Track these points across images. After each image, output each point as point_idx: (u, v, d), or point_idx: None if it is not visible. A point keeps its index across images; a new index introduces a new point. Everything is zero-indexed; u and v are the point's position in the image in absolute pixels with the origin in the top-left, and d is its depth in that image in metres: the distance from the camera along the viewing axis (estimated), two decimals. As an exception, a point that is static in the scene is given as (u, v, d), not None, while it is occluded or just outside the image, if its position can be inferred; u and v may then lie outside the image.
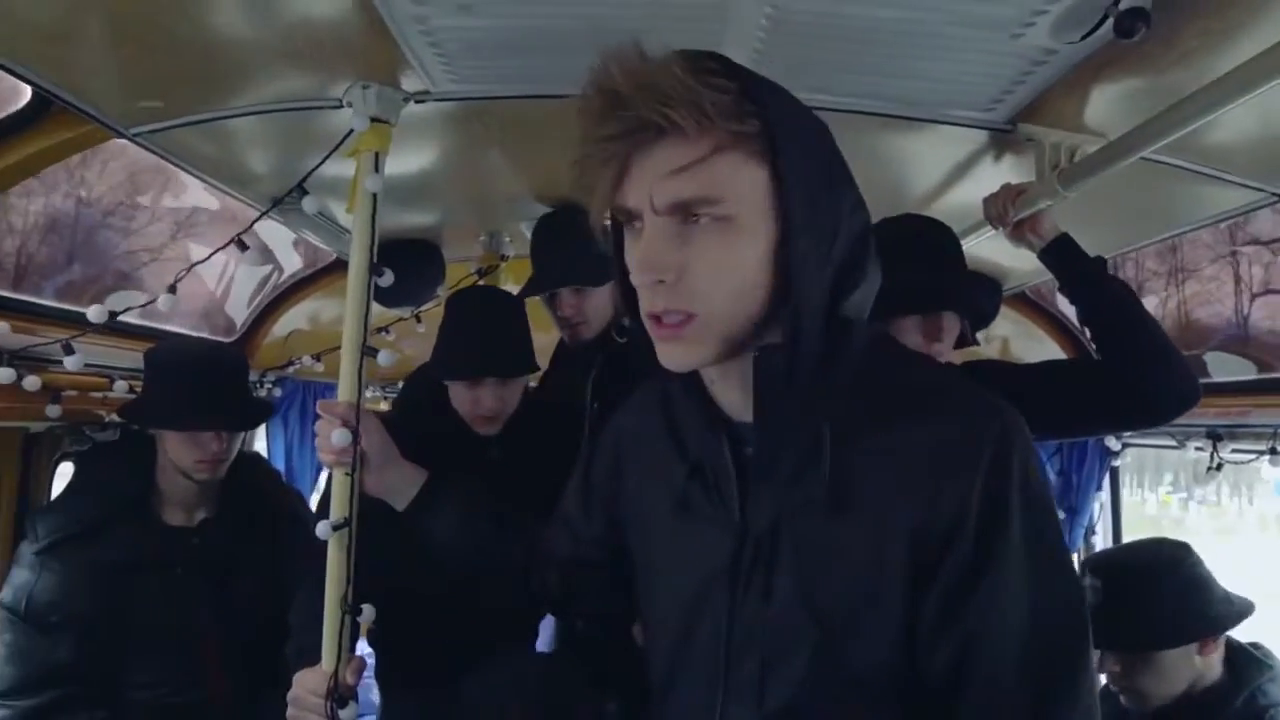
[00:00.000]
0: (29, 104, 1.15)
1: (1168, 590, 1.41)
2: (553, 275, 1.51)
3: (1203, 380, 1.68)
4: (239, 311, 2.11)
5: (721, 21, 0.97)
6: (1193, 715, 1.37)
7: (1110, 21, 0.86)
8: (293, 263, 2.15)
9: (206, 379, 1.48)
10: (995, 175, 1.33)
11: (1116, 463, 2.15)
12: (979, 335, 1.39)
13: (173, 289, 1.16)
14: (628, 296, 0.72)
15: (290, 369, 2.12)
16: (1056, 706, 0.62)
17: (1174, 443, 1.86)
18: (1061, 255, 1.28)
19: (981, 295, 1.65)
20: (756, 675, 0.70)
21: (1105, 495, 2.18)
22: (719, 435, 0.74)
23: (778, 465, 0.70)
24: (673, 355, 0.67)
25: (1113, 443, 2.09)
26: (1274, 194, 1.23)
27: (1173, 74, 0.97)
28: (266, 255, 2.03)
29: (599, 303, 1.53)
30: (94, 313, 1.15)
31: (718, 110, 0.61)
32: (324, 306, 2.22)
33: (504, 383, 1.37)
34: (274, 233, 1.96)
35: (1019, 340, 2.20)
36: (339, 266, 2.05)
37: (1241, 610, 1.43)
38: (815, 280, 0.65)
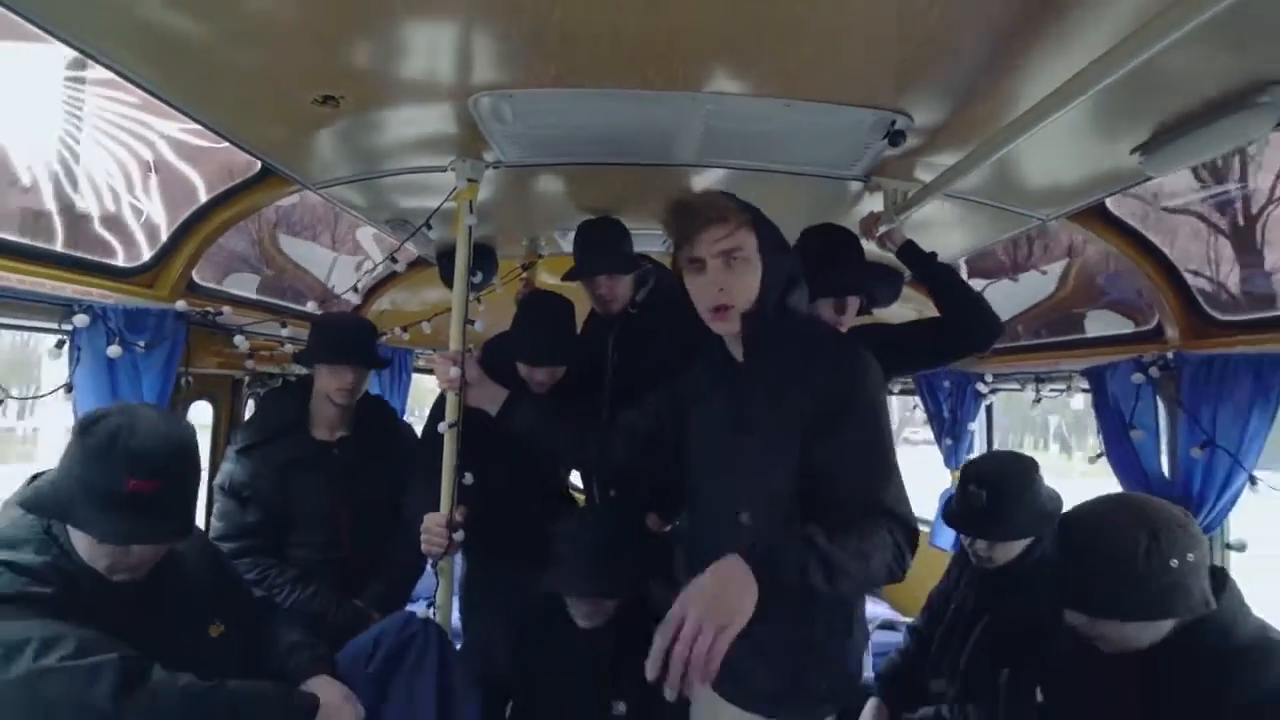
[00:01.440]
0: (259, 171, 1.88)
1: (1028, 500, 1.97)
2: (594, 266, 2.13)
3: (1056, 338, 2.37)
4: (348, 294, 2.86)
5: (674, 135, 1.68)
6: (1014, 569, 1.99)
7: (886, 139, 1.56)
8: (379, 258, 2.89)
9: (347, 334, 2.19)
10: (866, 205, 2.03)
11: (987, 402, 2.88)
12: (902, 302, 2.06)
13: (355, 288, 1.89)
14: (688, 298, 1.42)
15: (383, 338, 2.85)
16: (883, 480, 1.28)
17: (1018, 386, 2.57)
18: (907, 254, 1.99)
19: (877, 284, 2.33)
20: (741, 475, 1.41)
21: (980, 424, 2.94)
22: (730, 365, 1.46)
23: (751, 376, 1.41)
24: (723, 326, 1.39)
25: (983, 388, 2.81)
26: (1039, 218, 1.92)
27: (943, 153, 1.66)
28: (362, 254, 2.77)
29: (624, 287, 2.18)
30: (311, 306, 1.88)
31: (734, 213, 1.34)
32: (405, 293, 2.96)
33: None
34: (364, 237, 2.71)
35: (928, 310, 2.90)
36: (419, 264, 2.78)
37: (1059, 505, 2.05)
38: (774, 287, 1.37)
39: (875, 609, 3.27)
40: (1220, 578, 1.37)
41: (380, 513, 2.20)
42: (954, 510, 2.00)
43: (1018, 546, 1.99)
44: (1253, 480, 1.73)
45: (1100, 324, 2.44)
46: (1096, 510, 1.47)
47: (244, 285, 2.48)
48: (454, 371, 1.76)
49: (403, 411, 3.22)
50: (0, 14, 1.08)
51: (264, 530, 2.14)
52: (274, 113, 1.55)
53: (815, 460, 1.32)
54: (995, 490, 1.94)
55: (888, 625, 2.83)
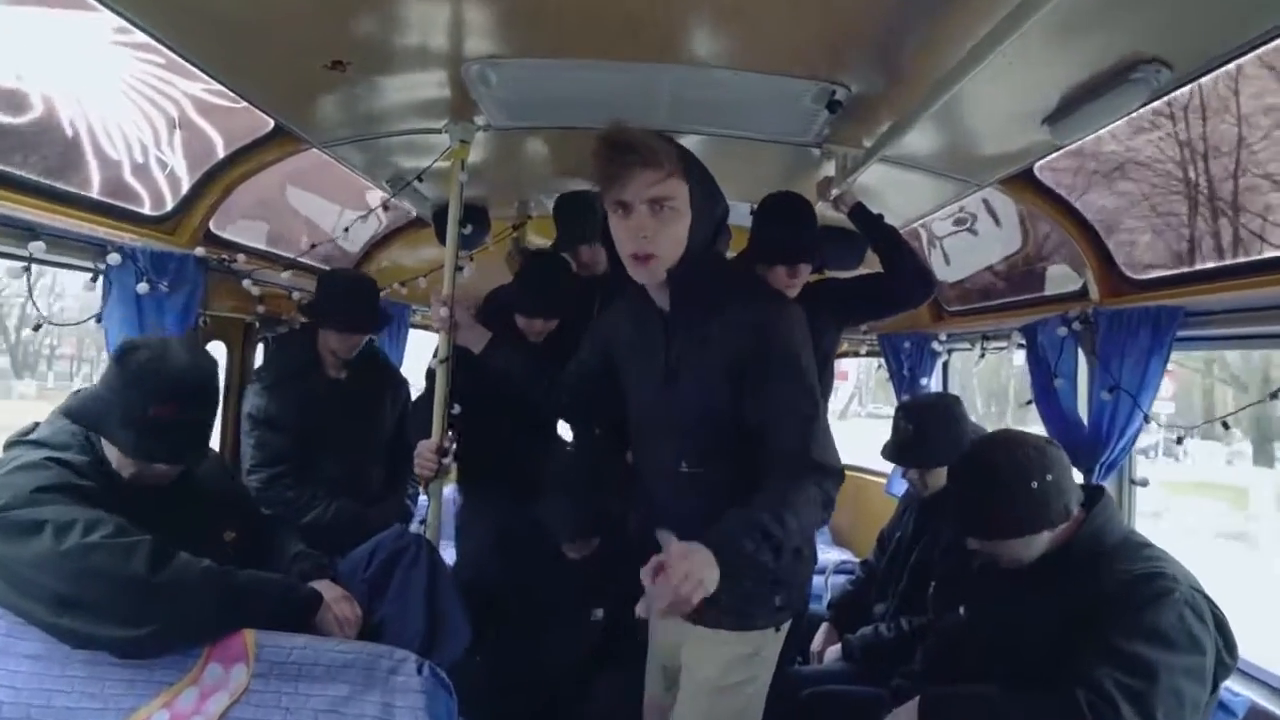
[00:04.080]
0: (272, 129, 2.08)
1: (950, 431, 2.18)
2: (575, 237, 2.37)
3: (1000, 300, 2.58)
4: (350, 249, 3.06)
5: (645, 102, 1.88)
6: (944, 497, 2.19)
7: (826, 108, 1.76)
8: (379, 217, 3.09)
9: (356, 303, 2.39)
10: (822, 171, 2.23)
11: (942, 359, 3.13)
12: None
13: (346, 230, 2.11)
14: (610, 243, 1.42)
15: (383, 293, 3.06)
16: (807, 427, 1.35)
17: (968, 345, 2.80)
18: (857, 216, 2.20)
19: (835, 249, 2.54)
20: (676, 425, 1.49)
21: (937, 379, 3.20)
22: (655, 315, 1.50)
23: (678, 327, 1.46)
24: (644, 274, 1.37)
25: (938, 346, 3.04)
26: (976, 184, 2.12)
27: (883, 120, 1.86)
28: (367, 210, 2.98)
29: (600, 254, 2.39)
30: (307, 256, 2.10)
31: (669, 159, 1.30)
32: (403, 251, 3.17)
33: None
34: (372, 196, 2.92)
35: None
36: (416, 223, 2.99)
37: (977, 431, 2.30)
38: (701, 234, 1.37)
39: (834, 554, 3.52)
40: (1094, 494, 1.59)
41: (388, 435, 2.49)
42: (889, 443, 2.23)
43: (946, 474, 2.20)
44: (1147, 419, 1.95)
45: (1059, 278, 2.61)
46: (972, 450, 1.66)
47: (255, 234, 2.67)
48: (444, 312, 1.97)
49: (400, 363, 3.44)
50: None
51: (294, 455, 2.36)
52: (288, 76, 1.75)
53: (744, 409, 1.40)
54: (920, 423, 2.17)
55: (844, 570, 3.06)
